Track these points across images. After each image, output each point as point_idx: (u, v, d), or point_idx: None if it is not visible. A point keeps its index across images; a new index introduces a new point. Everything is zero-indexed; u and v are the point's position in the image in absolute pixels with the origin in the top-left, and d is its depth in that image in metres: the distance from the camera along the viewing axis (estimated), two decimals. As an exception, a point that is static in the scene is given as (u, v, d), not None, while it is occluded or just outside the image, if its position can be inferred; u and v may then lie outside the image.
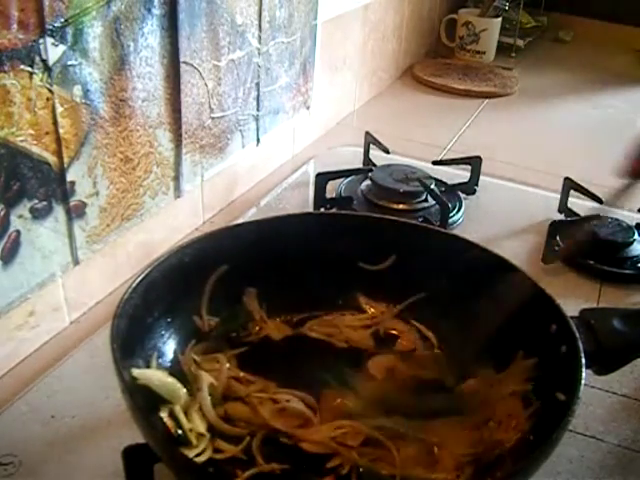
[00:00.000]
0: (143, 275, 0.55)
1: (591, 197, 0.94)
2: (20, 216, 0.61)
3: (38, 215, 0.62)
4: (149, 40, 0.70)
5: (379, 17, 1.31)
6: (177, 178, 0.81)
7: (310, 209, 0.93)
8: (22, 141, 0.59)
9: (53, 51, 0.59)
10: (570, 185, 0.96)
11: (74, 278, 0.70)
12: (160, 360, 0.56)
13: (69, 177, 0.65)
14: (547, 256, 0.86)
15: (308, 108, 1.07)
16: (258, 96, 0.92)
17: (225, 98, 0.85)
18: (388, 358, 0.62)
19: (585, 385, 0.49)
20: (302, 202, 0.97)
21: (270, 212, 0.92)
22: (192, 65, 0.77)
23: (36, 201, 0.62)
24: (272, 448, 0.53)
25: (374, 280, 0.67)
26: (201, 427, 0.52)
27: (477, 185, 1.02)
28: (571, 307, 0.56)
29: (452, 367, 0.61)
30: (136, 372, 0.50)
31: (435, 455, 0.53)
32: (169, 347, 0.58)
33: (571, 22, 1.88)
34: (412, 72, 1.53)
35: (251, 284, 0.63)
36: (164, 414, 0.51)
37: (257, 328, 0.64)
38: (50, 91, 0.60)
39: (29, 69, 0.57)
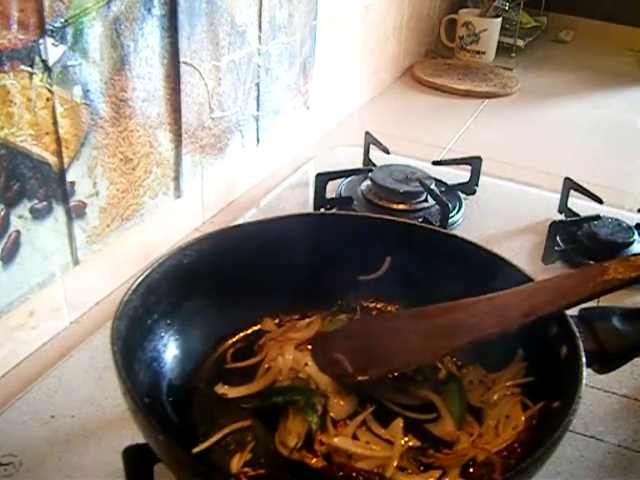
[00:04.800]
0: (143, 277, 0.55)
1: (591, 197, 0.94)
2: (20, 216, 0.61)
3: (38, 215, 0.62)
4: (149, 40, 0.70)
5: (379, 17, 1.30)
6: (177, 178, 0.81)
7: (310, 209, 0.93)
8: (22, 141, 0.59)
9: (53, 51, 0.59)
10: (570, 185, 0.96)
11: (74, 278, 0.70)
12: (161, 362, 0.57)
13: (69, 177, 0.65)
14: (547, 256, 0.86)
15: (308, 108, 1.07)
16: (258, 96, 0.92)
17: (225, 98, 0.85)
18: None
19: (585, 385, 0.49)
20: (302, 202, 0.97)
21: (270, 212, 0.92)
22: (192, 65, 0.77)
23: (36, 201, 0.62)
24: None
25: (374, 280, 0.67)
26: None
27: (477, 185, 1.02)
28: (572, 307, 0.56)
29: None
30: None
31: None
32: (169, 349, 0.58)
33: (571, 22, 1.88)
34: (412, 72, 1.53)
35: (251, 284, 0.63)
36: None
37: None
38: (50, 91, 0.60)
39: (29, 69, 0.57)
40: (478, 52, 1.63)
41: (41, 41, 0.57)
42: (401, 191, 0.93)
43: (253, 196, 0.98)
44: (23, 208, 0.61)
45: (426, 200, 0.94)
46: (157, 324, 0.57)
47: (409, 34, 1.51)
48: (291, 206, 0.95)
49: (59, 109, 0.61)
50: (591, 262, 0.84)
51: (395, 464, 0.51)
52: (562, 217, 0.95)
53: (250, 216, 0.91)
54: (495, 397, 0.57)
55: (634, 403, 0.66)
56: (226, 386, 0.58)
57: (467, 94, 1.44)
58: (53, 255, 0.66)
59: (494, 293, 0.56)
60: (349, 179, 0.99)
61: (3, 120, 0.56)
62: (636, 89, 1.57)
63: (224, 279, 0.62)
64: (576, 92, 1.52)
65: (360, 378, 0.56)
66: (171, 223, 0.84)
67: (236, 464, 0.51)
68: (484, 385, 0.59)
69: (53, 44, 0.59)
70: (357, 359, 0.57)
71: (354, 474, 0.51)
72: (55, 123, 0.61)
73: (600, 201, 0.94)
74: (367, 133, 1.06)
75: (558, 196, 0.97)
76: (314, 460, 0.51)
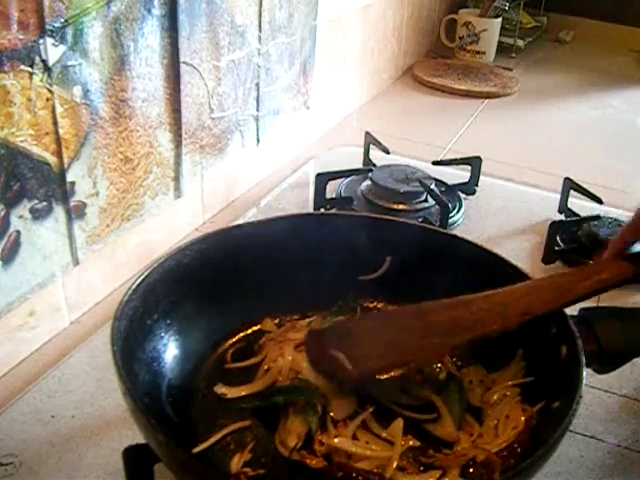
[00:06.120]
0: (142, 277, 0.55)
1: (591, 197, 0.94)
2: (20, 216, 0.61)
3: (38, 215, 0.62)
4: (149, 40, 0.70)
5: (379, 17, 1.31)
6: (177, 178, 0.81)
7: (310, 209, 0.93)
8: (22, 141, 0.59)
9: (53, 51, 0.59)
10: (570, 185, 0.96)
11: (74, 278, 0.70)
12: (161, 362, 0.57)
13: (69, 177, 0.65)
14: (547, 256, 0.86)
15: (308, 108, 1.07)
16: (258, 96, 0.92)
17: (225, 98, 0.85)
18: None
19: (585, 385, 0.49)
20: (302, 202, 0.97)
21: (270, 212, 0.92)
22: (192, 65, 0.77)
23: (36, 201, 0.62)
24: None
25: (374, 280, 0.67)
26: None
27: (477, 185, 1.02)
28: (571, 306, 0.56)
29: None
30: None
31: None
32: (169, 349, 0.58)
33: (571, 22, 1.88)
34: (412, 72, 1.53)
35: (251, 284, 0.63)
36: None
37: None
38: (50, 91, 0.60)
39: (29, 69, 0.57)
40: (478, 52, 1.63)
41: (41, 41, 0.57)
42: (401, 191, 0.93)
43: (253, 196, 0.98)
44: (23, 208, 0.61)
45: (426, 200, 0.94)
46: (157, 324, 0.57)
47: (409, 34, 1.51)
48: (291, 206, 0.95)
49: (59, 109, 0.61)
50: (591, 262, 0.84)
51: (395, 464, 0.51)
52: (562, 217, 0.95)
53: (250, 216, 0.91)
54: (495, 397, 0.57)
55: (634, 403, 0.66)
56: (226, 386, 0.58)
57: (467, 94, 1.44)
58: (53, 255, 0.66)
59: (492, 290, 0.56)
60: (349, 179, 0.99)
61: (3, 120, 0.56)
62: (636, 89, 1.57)
63: (224, 279, 0.62)
64: (576, 92, 1.52)
65: (355, 374, 0.55)
66: (171, 223, 0.84)
67: (236, 464, 0.51)
68: (484, 385, 0.59)
69: (53, 44, 0.59)
70: (353, 356, 0.57)
71: (354, 474, 0.51)
72: (55, 123, 0.61)
73: (600, 201, 0.94)
74: (367, 133, 1.06)
75: (558, 196, 0.97)
76: (314, 460, 0.51)
